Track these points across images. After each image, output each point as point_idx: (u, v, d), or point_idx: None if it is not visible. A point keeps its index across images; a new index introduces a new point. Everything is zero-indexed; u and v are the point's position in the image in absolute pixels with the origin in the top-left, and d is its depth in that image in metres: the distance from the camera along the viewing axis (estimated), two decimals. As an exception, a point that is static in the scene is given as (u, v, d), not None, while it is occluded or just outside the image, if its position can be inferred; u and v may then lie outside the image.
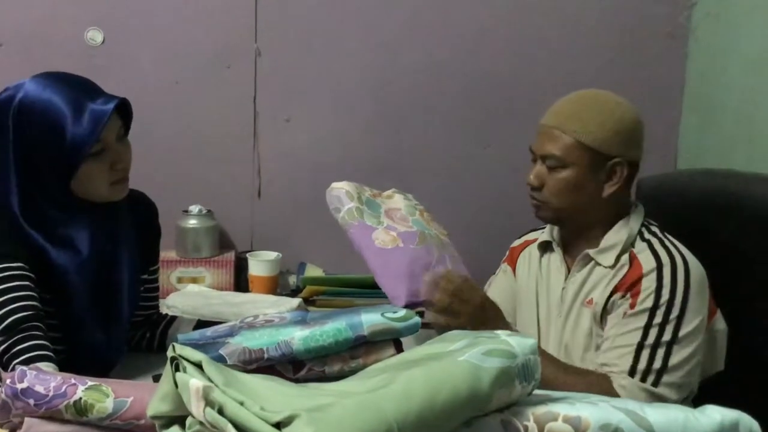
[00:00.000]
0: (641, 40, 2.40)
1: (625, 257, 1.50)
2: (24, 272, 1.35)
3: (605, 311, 1.49)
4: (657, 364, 1.40)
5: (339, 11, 2.35)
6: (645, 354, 1.41)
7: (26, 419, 0.92)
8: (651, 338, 1.41)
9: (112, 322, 1.48)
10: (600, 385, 1.39)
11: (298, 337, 1.07)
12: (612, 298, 1.48)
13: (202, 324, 1.63)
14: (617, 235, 1.52)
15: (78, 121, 1.35)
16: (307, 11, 2.34)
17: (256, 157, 2.40)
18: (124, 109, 1.45)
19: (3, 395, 0.94)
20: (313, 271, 2.35)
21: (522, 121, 2.43)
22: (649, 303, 1.43)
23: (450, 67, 2.40)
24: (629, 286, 1.46)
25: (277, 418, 0.67)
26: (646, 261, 1.47)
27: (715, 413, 0.83)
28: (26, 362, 1.27)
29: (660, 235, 1.52)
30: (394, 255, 1.48)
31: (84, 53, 2.23)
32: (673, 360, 1.41)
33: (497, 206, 2.47)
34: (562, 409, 0.81)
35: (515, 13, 2.38)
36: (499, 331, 0.88)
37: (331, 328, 1.09)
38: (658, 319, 1.42)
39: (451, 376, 0.78)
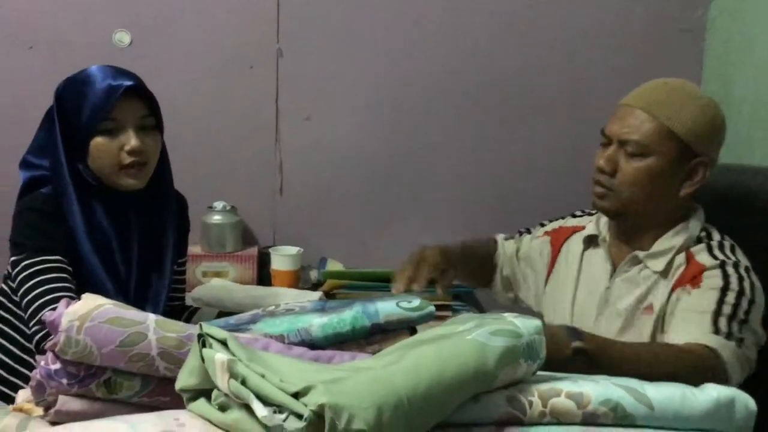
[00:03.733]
0: (658, 36, 2.42)
1: (681, 258, 1.42)
2: (61, 265, 1.42)
3: (667, 310, 1.40)
4: (735, 332, 1.28)
5: (358, 12, 2.39)
6: (723, 321, 1.29)
7: (60, 397, 0.95)
8: (726, 310, 1.30)
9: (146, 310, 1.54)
10: (702, 356, 1.24)
11: (316, 324, 1.11)
12: (672, 295, 1.39)
13: (222, 315, 1.67)
14: (673, 239, 1.43)
15: (97, 94, 1.44)
16: (328, 13, 2.38)
17: (278, 154, 2.45)
18: (151, 104, 1.52)
19: (38, 376, 0.98)
20: (333, 265, 2.39)
21: (539, 120, 2.47)
22: (717, 284, 1.33)
23: (467, 66, 2.43)
24: (690, 280, 1.36)
25: (294, 388, 0.72)
26: (706, 259, 1.38)
27: (712, 390, 0.86)
28: None
29: (720, 243, 1.43)
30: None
31: (112, 55, 2.29)
32: (745, 339, 1.30)
33: (514, 203, 2.50)
34: (565, 386, 0.85)
35: (530, 12, 2.40)
36: (505, 314, 0.92)
37: (349, 315, 1.13)
38: (729, 298, 1.31)
39: (459, 353, 0.82)
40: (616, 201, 1.43)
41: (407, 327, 1.18)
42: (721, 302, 1.31)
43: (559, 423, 0.84)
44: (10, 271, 1.47)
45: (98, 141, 1.46)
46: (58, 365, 0.96)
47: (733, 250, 1.42)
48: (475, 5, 2.40)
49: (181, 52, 2.37)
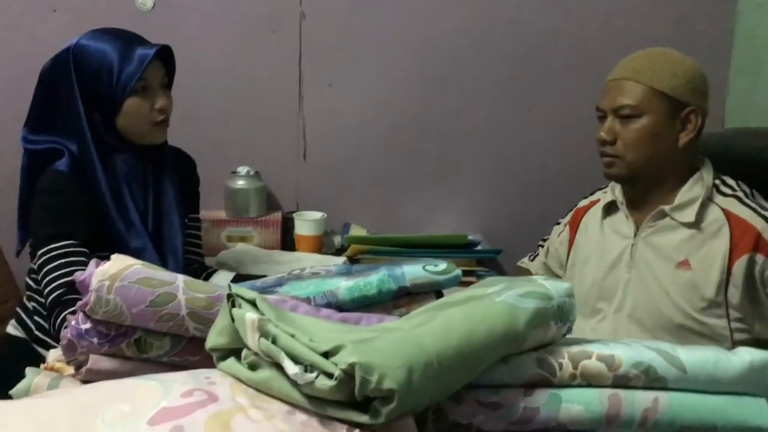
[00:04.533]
0: (689, -1, 2.38)
1: (716, 214, 1.49)
2: (73, 249, 1.47)
3: (726, 276, 1.46)
4: None
5: (383, -26, 2.37)
6: None
7: (91, 356, 0.96)
8: None
9: (168, 263, 1.60)
10: None
11: (343, 287, 1.11)
12: (737, 264, 1.45)
13: (239, 278, 1.71)
14: (693, 190, 1.51)
15: (126, 60, 1.52)
16: (351, -25, 2.36)
17: (302, 120, 2.45)
18: (168, 62, 1.60)
19: (69, 335, 0.99)
20: (357, 231, 2.40)
21: (566, 82, 2.43)
22: None
23: (493, 29, 2.40)
24: (752, 246, 1.44)
25: (324, 347, 0.72)
26: (748, 214, 1.46)
27: (745, 354, 0.85)
28: None
29: (739, 187, 1.52)
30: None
31: (135, 18, 2.29)
32: None
33: (540, 168, 2.48)
34: (595, 349, 0.85)
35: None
36: (535, 276, 0.91)
37: (375, 279, 1.13)
38: None
39: (489, 315, 0.81)
40: (624, 166, 1.53)
41: (434, 290, 1.18)
42: None
43: (590, 385, 0.83)
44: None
45: (132, 101, 1.54)
46: (88, 325, 0.97)
47: (754, 195, 1.51)
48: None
49: (203, 16, 2.36)
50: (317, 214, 2.27)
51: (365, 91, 2.44)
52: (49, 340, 1.56)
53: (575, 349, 0.85)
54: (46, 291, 1.46)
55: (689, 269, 1.49)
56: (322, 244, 2.27)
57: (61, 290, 1.43)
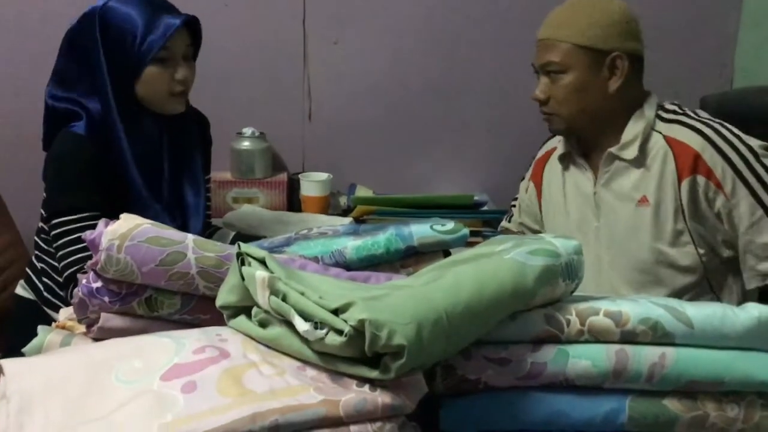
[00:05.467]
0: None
1: (660, 143, 1.51)
2: (90, 222, 1.45)
3: (680, 202, 1.49)
4: None
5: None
6: None
7: (102, 314, 0.96)
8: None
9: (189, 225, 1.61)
10: None
11: (351, 246, 1.12)
12: (683, 188, 1.48)
13: (238, 236, 1.73)
14: (635, 127, 1.53)
15: (151, 28, 1.49)
16: (356, -69, 2.33)
17: (306, 79, 2.43)
18: (194, 34, 1.58)
19: (80, 294, 1.00)
20: (363, 191, 2.40)
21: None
22: (731, 180, 1.44)
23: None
24: (692, 168, 1.46)
25: (334, 305, 0.73)
26: (688, 136, 1.48)
27: (753, 309, 0.86)
28: None
29: (681, 110, 1.54)
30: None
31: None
32: None
33: (547, 130, 2.46)
34: (603, 305, 0.85)
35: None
36: (542, 234, 0.91)
37: (383, 238, 1.13)
38: (751, 179, 1.44)
39: (498, 271, 0.82)
40: (560, 121, 1.57)
41: (441, 250, 1.18)
42: (761, 201, 1.44)
43: (597, 341, 0.84)
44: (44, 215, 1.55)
45: (152, 70, 1.52)
46: (99, 283, 0.97)
47: (697, 114, 1.53)
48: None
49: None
50: (323, 175, 2.27)
51: (371, 49, 2.42)
52: (58, 303, 1.57)
53: (583, 305, 0.86)
54: (62, 264, 1.46)
55: (648, 205, 1.52)
56: (329, 205, 2.27)
57: (78, 266, 1.43)
